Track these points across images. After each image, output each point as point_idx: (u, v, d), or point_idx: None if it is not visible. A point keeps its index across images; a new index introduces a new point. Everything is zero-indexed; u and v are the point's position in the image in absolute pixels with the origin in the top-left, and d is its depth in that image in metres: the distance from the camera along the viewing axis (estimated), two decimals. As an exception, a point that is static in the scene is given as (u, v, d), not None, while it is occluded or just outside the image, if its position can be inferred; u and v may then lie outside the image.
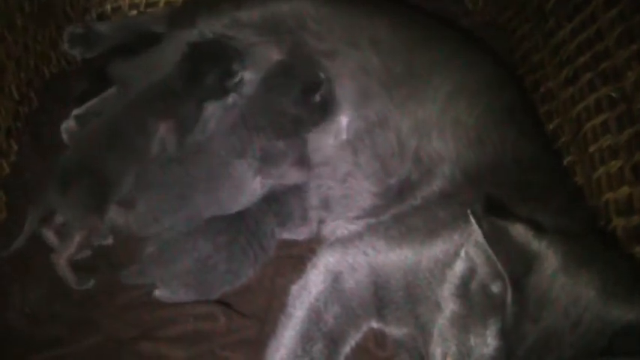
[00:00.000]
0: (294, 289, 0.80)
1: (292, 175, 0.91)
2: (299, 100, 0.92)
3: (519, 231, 0.63)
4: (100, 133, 0.91)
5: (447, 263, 0.71)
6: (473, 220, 0.62)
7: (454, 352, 0.66)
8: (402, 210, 0.82)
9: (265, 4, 1.02)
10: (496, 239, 0.61)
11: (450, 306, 0.67)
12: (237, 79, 1.00)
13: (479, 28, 1.15)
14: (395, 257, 0.76)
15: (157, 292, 0.85)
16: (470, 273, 0.66)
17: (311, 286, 0.78)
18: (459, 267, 0.68)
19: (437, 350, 0.68)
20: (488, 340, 0.63)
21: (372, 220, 0.83)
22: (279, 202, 0.92)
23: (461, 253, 0.68)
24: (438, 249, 0.73)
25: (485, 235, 0.61)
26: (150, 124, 0.93)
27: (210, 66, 0.98)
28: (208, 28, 1.05)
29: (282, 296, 0.82)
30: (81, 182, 0.87)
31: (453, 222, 0.74)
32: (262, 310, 0.87)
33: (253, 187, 0.91)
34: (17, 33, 0.95)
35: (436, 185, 0.82)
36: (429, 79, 0.90)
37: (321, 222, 0.92)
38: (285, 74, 0.94)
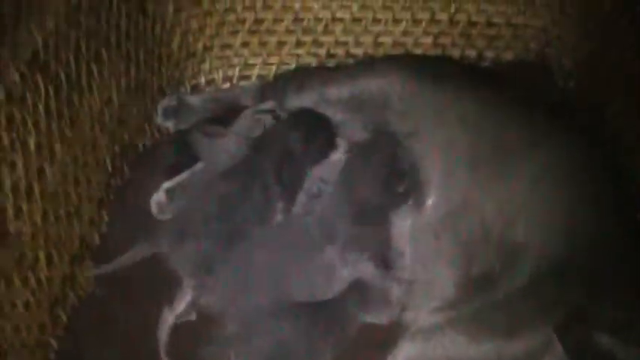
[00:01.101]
0: None
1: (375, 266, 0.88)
2: (382, 190, 0.89)
3: (604, 341, 0.59)
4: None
5: None
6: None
7: None
8: (483, 304, 0.77)
9: (354, 81, 1.03)
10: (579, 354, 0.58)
11: None
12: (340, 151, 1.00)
13: (571, 105, 1.09)
14: (474, 354, 0.72)
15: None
16: None
17: None
18: None
19: None
20: None
21: (453, 313, 0.79)
22: (362, 286, 0.89)
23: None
24: (518, 348, 0.69)
25: (568, 351, 0.56)
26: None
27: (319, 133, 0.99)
28: (296, 103, 1.06)
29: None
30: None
31: (535, 320, 0.70)
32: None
33: (343, 275, 0.89)
34: (113, 108, 0.98)
35: (520, 280, 0.77)
36: (516, 160, 0.87)
37: (403, 309, 0.88)
38: (368, 161, 0.92)
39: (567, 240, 0.79)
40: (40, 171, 0.82)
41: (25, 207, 0.79)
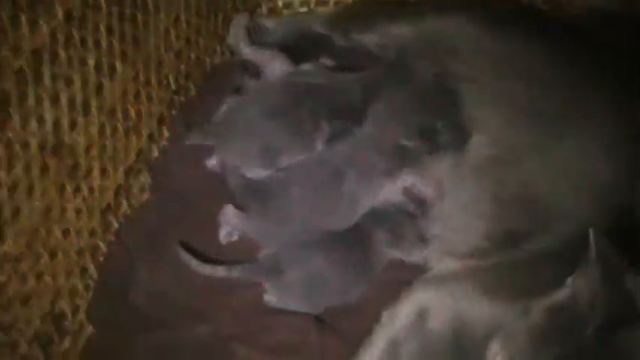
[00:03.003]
0: (384, 316, 0.79)
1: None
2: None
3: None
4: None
5: None
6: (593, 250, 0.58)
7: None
8: (504, 260, 0.77)
9: (421, 20, 1.00)
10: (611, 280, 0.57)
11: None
12: None
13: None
14: (480, 310, 0.72)
15: (266, 297, 0.87)
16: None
17: (397, 317, 0.78)
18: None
19: None
20: None
21: (474, 263, 0.78)
22: (392, 222, 0.90)
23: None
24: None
25: (601, 273, 0.57)
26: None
27: None
28: (361, 37, 1.05)
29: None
30: None
31: (554, 283, 0.68)
32: (357, 333, 0.85)
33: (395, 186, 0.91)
34: (180, 28, 1.01)
35: (547, 245, 0.75)
36: (576, 124, 0.83)
37: (432, 249, 0.88)
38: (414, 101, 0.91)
39: (606, 214, 0.76)
40: (99, 87, 0.86)
41: (80, 120, 0.84)
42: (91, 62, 0.84)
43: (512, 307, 0.69)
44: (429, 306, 0.76)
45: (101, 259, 0.93)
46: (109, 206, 0.93)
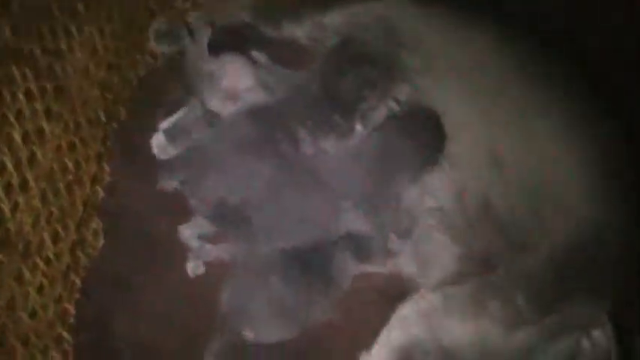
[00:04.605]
0: None
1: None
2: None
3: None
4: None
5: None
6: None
7: None
8: (482, 284, 0.77)
9: (354, 4, 0.95)
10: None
11: None
12: None
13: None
14: (469, 340, 0.74)
15: (247, 334, 0.87)
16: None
17: None
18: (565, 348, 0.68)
19: None
20: None
21: (450, 290, 0.79)
22: (358, 238, 0.89)
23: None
24: (514, 341, 0.71)
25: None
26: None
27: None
28: (292, 31, 1.00)
29: (364, 335, 0.82)
30: None
31: (534, 315, 0.71)
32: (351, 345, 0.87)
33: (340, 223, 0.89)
34: (99, 57, 0.94)
35: (525, 264, 0.76)
36: (538, 118, 0.82)
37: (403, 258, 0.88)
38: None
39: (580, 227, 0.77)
40: (31, 157, 0.81)
41: (21, 199, 0.79)
42: (18, 136, 0.78)
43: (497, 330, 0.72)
44: (409, 348, 0.76)
45: (71, 320, 0.90)
46: (68, 267, 0.90)
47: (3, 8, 0.74)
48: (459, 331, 0.75)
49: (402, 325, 0.78)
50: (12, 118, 0.77)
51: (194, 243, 0.93)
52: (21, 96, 0.78)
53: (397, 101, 0.90)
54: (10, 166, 0.77)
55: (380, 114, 0.91)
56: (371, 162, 0.90)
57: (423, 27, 0.92)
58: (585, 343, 0.64)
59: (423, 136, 0.88)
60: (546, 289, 0.73)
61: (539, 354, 0.68)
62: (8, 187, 0.77)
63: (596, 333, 0.63)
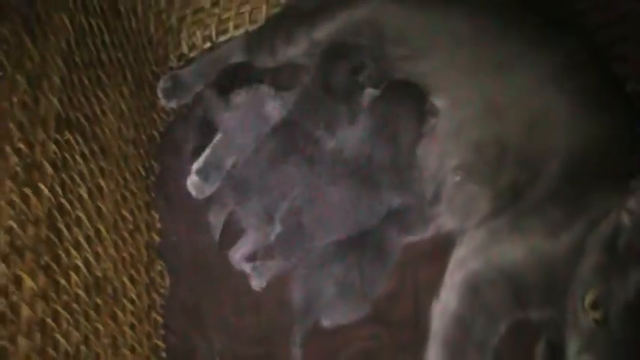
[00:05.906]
0: (435, 308, 0.88)
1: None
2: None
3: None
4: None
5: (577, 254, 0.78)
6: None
7: (594, 293, 0.74)
8: (516, 211, 0.87)
9: (337, 15, 1.05)
10: None
11: (592, 257, 0.76)
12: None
13: None
14: (522, 255, 0.83)
15: (324, 322, 0.95)
16: (618, 231, 0.75)
17: (450, 305, 0.86)
18: (607, 226, 0.76)
19: (577, 291, 0.76)
20: (628, 288, 0.71)
21: (492, 224, 0.88)
22: (399, 213, 0.98)
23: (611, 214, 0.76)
24: (558, 246, 0.80)
25: None
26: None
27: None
28: (288, 53, 1.10)
29: (424, 296, 0.92)
30: None
31: (570, 218, 0.80)
32: (412, 313, 0.96)
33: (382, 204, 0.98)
34: (125, 118, 1.04)
35: (545, 185, 0.86)
36: (519, 68, 0.92)
37: (445, 226, 0.96)
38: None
39: (586, 140, 0.87)
40: (98, 211, 0.90)
41: (100, 249, 0.88)
42: (85, 194, 0.87)
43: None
44: (474, 281, 0.85)
45: (163, 354, 0.98)
46: (149, 306, 0.98)
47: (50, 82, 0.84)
48: (512, 254, 0.84)
49: (461, 265, 0.87)
50: (78, 179, 0.86)
51: (246, 266, 1.01)
52: (78, 158, 0.87)
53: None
54: (85, 220, 0.85)
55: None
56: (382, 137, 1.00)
57: (405, 23, 1.02)
58: (625, 217, 0.74)
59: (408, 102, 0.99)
60: (568, 194, 0.83)
61: (587, 245, 0.77)
62: (87, 239, 0.85)
63: (632, 203, 0.72)
